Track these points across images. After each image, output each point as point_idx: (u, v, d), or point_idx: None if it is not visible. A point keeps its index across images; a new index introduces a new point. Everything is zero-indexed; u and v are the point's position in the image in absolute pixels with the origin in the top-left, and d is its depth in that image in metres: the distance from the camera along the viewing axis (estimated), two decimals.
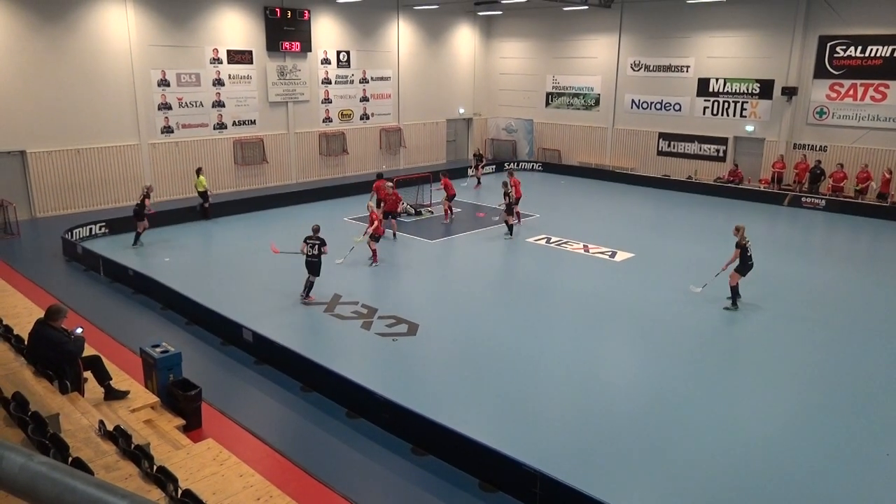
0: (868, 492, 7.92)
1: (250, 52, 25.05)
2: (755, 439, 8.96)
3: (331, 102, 28.20)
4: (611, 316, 13.46)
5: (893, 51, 23.44)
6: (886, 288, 15.43)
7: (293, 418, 9.54)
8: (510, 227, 19.58)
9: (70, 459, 5.56)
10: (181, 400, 8.74)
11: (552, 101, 33.19)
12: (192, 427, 8.67)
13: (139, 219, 17.84)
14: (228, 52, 24.44)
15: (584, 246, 18.47)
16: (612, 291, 14.91)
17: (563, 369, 11.03)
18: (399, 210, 20.04)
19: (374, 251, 16.56)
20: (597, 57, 31.05)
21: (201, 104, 24.09)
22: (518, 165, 32.06)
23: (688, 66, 28.40)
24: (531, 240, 19.25)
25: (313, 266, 13.84)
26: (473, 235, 20.08)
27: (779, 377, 10.88)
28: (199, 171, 21.10)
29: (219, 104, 24.56)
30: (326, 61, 27.71)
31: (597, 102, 31.54)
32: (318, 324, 12.91)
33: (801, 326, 13.07)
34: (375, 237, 16.50)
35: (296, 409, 9.73)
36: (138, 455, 6.13)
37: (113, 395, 8.39)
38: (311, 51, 26.74)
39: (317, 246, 13.69)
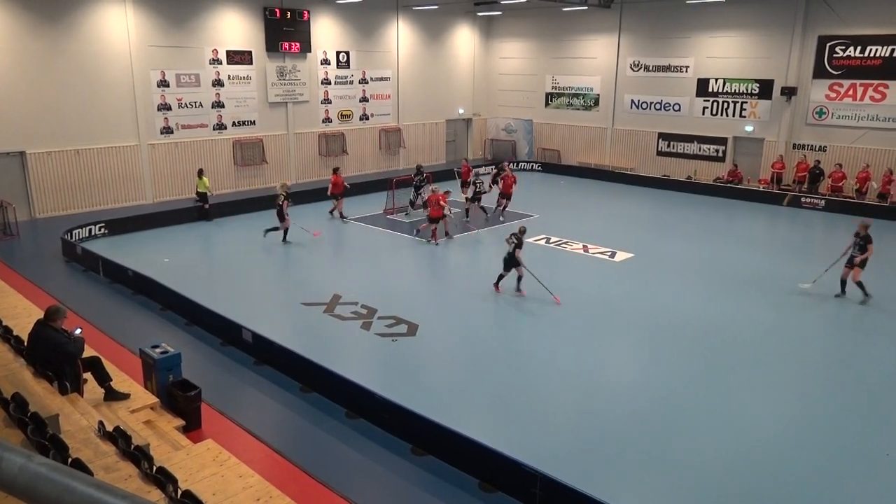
0: (872, 493, 7.93)
1: (250, 53, 25.06)
2: (756, 439, 8.96)
3: (330, 103, 28.20)
4: (611, 316, 13.46)
5: (893, 51, 23.45)
6: (887, 286, 15.45)
7: (293, 419, 9.54)
8: (466, 212, 21.29)
9: (70, 460, 5.56)
10: (181, 400, 8.74)
11: (552, 101, 33.19)
12: (192, 428, 8.67)
13: (281, 219, 18.24)
14: (228, 52, 24.45)
15: (583, 246, 18.48)
16: (611, 291, 14.90)
17: (564, 369, 11.03)
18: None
19: (433, 231, 18.27)
20: (596, 57, 31.06)
21: (201, 105, 24.09)
22: (518, 165, 32.04)
23: (687, 67, 28.41)
24: (531, 240, 19.18)
25: (508, 262, 14.36)
26: (472, 236, 20.09)
27: (781, 376, 10.88)
28: (200, 173, 21.14)
29: (218, 105, 24.56)
30: (326, 62, 27.72)
31: (596, 103, 31.55)
32: (317, 324, 12.91)
33: (800, 324, 13.07)
34: (433, 219, 18.11)
35: (295, 409, 9.73)
36: (138, 456, 6.13)
37: (113, 396, 8.39)
38: (310, 51, 26.75)
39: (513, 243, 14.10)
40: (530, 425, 9.32)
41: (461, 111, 33.76)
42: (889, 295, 14.84)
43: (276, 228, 18.38)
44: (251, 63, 25.18)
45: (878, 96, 24.04)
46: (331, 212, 21.73)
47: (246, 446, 8.44)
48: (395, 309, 13.43)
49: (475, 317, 13.45)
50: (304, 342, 11.47)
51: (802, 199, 24.38)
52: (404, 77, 30.78)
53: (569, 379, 10.73)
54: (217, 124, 24.65)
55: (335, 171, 21.89)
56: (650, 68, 29.54)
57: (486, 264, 17.48)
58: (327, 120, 28.22)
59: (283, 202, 18.07)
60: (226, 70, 24.52)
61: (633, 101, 30.33)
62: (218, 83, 24.42)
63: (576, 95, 32.24)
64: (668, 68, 28.98)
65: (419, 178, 22.51)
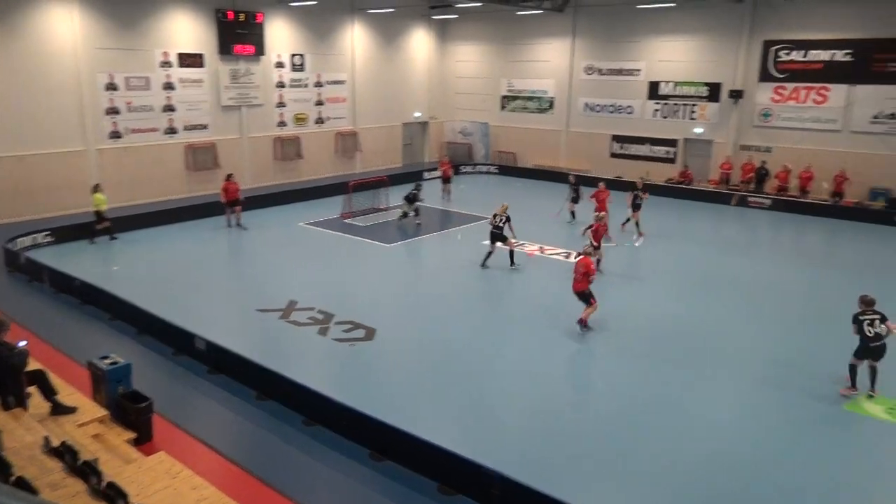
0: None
1: (201, 56, 24.62)
2: (718, 436, 9.17)
3: (285, 106, 27.90)
4: (567, 317, 13.60)
5: (833, 55, 24.35)
6: (828, 278, 16.02)
7: (248, 428, 9.40)
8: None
9: (12, 479, 5.37)
10: (131, 413, 8.53)
11: (507, 104, 33.46)
12: (144, 440, 8.47)
13: (498, 241, 17.45)
14: (179, 55, 23.97)
15: (540, 247, 18.67)
16: (568, 292, 15.07)
17: (522, 371, 11.12)
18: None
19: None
20: (550, 61, 31.44)
21: (151, 108, 23.57)
22: (474, 168, 32.25)
23: (639, 70, 28.99)
24: (487, 242, 19.33)
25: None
26: (429, 239, 20.11)
27: (736, 370, 11.16)
28: (96, 188, 18.73)
29: (169, 108, 24.05)
30: (280, 65, 27.41)
31: (551, 105, 31.93)
32: (273, 331, 12.74)
33: (748, 318, 13.45)
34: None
35: (251, 418, 9.59)
36: (86, 471, 5.97)
37: (60, 410, 8.13)
38: (264, 54, 26.42)
39: None
40: (490, 427, 9.37)
41: (417, 114, 33.77)
42: (828, 285, 15.37)
43: None
44: (203, 66, 24.75)
45: (819, 99, 24.91)
46: (230, 223, 20.49)
47: (200, 457, 8.28)
48: (353, 314, 13.35)
49: (433, 320, 13.46)
50: (260, 349, 11.31)
51: (749, 199, 25.10)
52: (360, 80, 30.65)
53: (528, 381, 10.81)
54: (168, 128, 24.14)
55: (228, 177, 20.46)
56: (603, 72, 30.04)
57: (440, 267, 17.54)
58: (282, 123, 27.91)
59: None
60: (177, 73, 24.03)
61: (586, 103, 30.79)
62: (169, 86, 23.92)
63: (531, 98, 32.57)
64: (620, 72, 29.51)
65: (415, 192, 21.65)
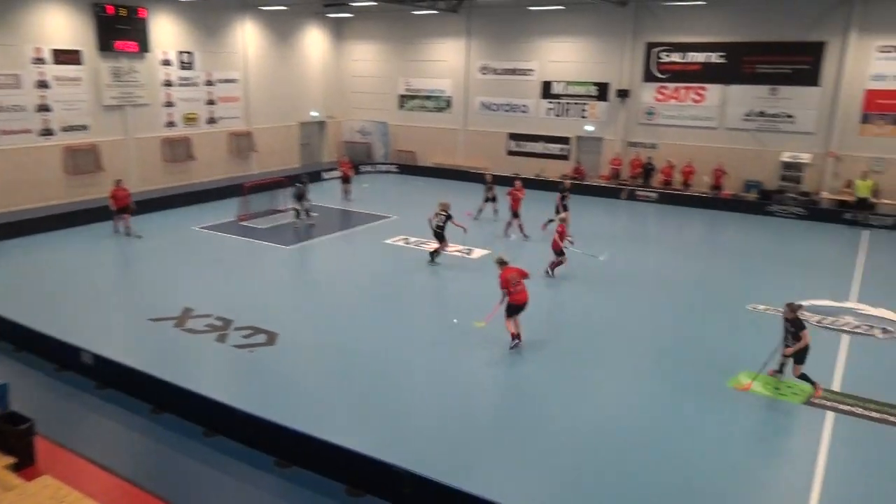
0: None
1: (79, 52, 23.10)
2: (614, 420, 9.57)
3: (174, 106, 26.66)
4: (468, 312, 13.80)
5: (709, 57, 26.00)
6: (712, 266, 17.13)
7: (144, 443, 8.94)
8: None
9: None
10: (10, 436, 7.90)
11: (405, 103, 33.51)
12: (25, 465, 7.86)
13: (440, 240, 17.26)
14: (54, 51, 22.39)
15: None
16: (469, 288, 15.31)
17: (427, 368, 11.19)
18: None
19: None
20: (447, 60, 31.76)
21: (23, 108, 21.89)
22: (374, 168, 32.09)
23: (532, 70, 29.80)
24: (390, 241, 19.35)
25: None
26: (330, 240, 19.84)
27: (631, 356, 11.70)
28: None
29: (44, 108, 22.42)
30: (167, 62, 26.17)
31: (449, 104, 32.26)
32: (167, 341, 12.17)
33: (643, 307, 14.15)
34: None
35: (147, 433, 9.13)
36: None
37: None
38: (149, 51, 25.14)
39: None
40: (397, 425, 9.36)
41: (315, 113, 33.19)
42: (707, 272, 16.42)
43: None
44: (81, 63, 23.22)
45: (698, 98, 26.53)
46: (117, 230, 19.39)
47: (91, 479, 7.79)
48: (253, 319, 12.97)
49: (336, 322, 13.28)
50: (154, 360, 10.78)
51: (638, 193, 26.40)
52: (254, 79, 29.76)
53: (432, 377, 10.89)
54: (43, 129, 22.50)
55: (117, 183, 19.41)
56: (498, 71, 30.67)
57: (342, 268, 17.35)
58: (171, 124, 26.66)
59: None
60: (52, 70, 22.43)
61: (483, 102, 31.34)
62: (43, 84, 22.29)
63: (429, 98, 32.77)
64: (514, 71, 30.24)
65: (303, 187, 21.27)
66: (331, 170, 30.13)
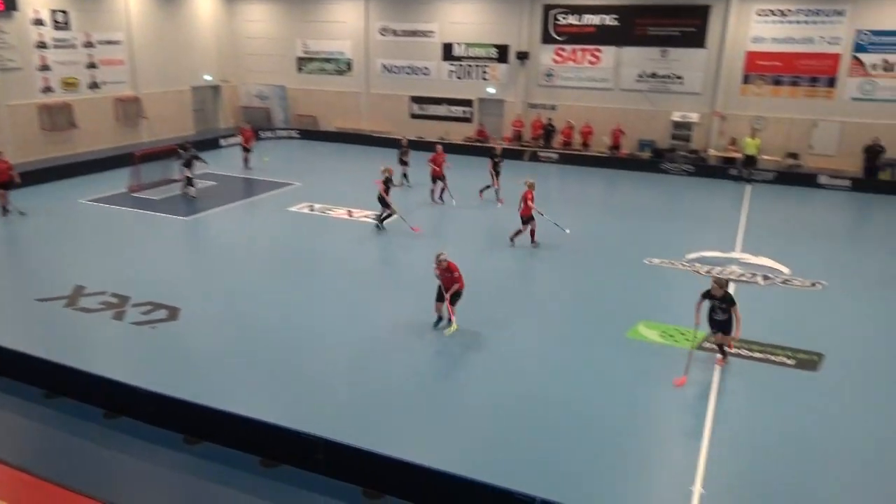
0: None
1: None
2: (519, 372, 9.88)
3: (50, 70, 24.66)
4: (381, 277, 13.82)
5: (603, 19, 26.65)
6: (613, 223, 17.85)
7: (38, 430, 8.47)
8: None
9: None
10: None
11: (304, 66, 32.53)
12: None
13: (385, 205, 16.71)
14: None
15: (347, 211, 18.63)
16: (377, 253, 15.28)
17: (336, 335, 11.13)
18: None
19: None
20: (346, 22, 30.96)
21: None
22: (275, 133, 31.12)
23: (433, 32, 29.56)
24: (293, 208, 18.94)
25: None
26: (229, 209, 19.18)
27: (540, 312, 12.08)
28: None
29: None
30: (39, 22, 24.10)
31: (349, 67, 31.58)
32: (58, 321, 11.48)
33: (550, 266, 14.61)
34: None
35: (41, 419, 8.64)
36: None
37: None
38: (17, 9, 23.04)
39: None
40: (308, 394, 9.30)
41: (208, 77, 31.63)
42: (625, 236, 17.12)
43: None
44: None
45: (594, 60, 27.22)
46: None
47: None
48: (152, 294, 12.43)
49: (240, 293, 12.92)
50: (44, 343, 10.17)
51: (540, 154, 26.98)
52: (139, 41, 27.92)
53: (343, 344, 10.85)
54: None
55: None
56: (398, 33, 30.23)
57: (245, 237, 16.87)
58: (48, 89, 24.69)
59: None
60: None
61: (384, 65, 30.88)
62: None
63: (328, 60, 31.93)
64: (415, 33, 29.89)
65: (190, 152, 20.13)
66: (228, 136, 28.98)
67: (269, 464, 7.74)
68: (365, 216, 18.10)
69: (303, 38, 32.13)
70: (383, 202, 16.81)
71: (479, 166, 25.04)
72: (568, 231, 16.69)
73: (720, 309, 9.87)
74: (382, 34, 30.50)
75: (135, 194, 20.13)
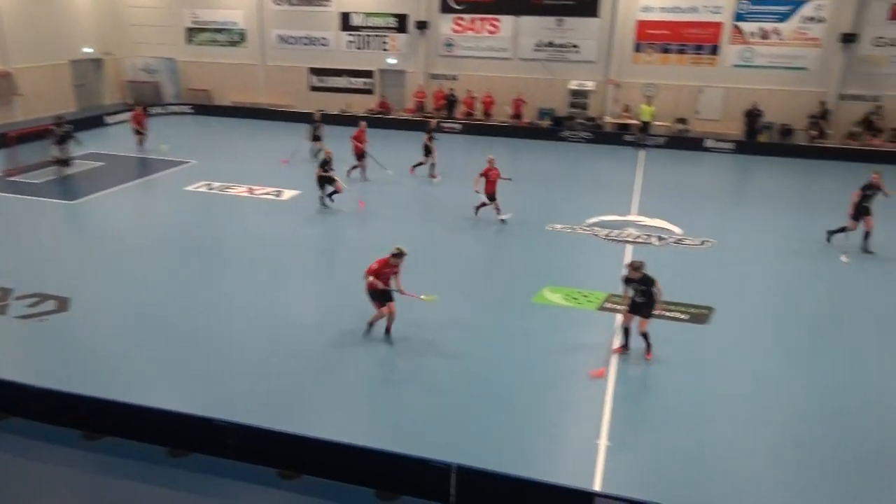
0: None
1: None
2: (433, 343, 9.98)
3: None
4: (283, 254, 13.52)
5: None
6: (510, 191, 18.22)
7: None
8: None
9: None
10: None
11: (194, 37, 30.98)
12: None
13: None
14: None
15: (248, 188, 18.07)
16: (282, 230, 14.94)
17: (244, 316, 10.85)
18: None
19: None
20: None
21: None
22: (165, 109, 29.57)
23: (329, 1, 28.79)
24: (191, 188, 18.17)
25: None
26: (122, 191, 18.17)
27: (448, 279, 12.20)
28: None
29: None
30: None
31: (243, 38, 30.36)
32: None
33: (455, 236, 14.77)
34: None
35: None
36: None
37: None
38: None
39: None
40: (216, 378, 9.04)
41: (88, 50, 29.54)
42: (528, 203, 17.48)
43: None
44: None
45: (493, 29, 27.40)
46: None
47: None
48: (38, 285, 11.65)
49: (136, 279, 12.31)
50: None
51: (443, 125, 27.01)
52: (6, 9, 25.64)
53: (251, 324, 10.59)
54: None
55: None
56: (294, 2, 29.28)
57: (138, 220, 16.08)
58: None
59: None
60: None
61: (280, 35, 29.88)
62: None
63: (220, 31, 30.55)
64: (311, 2, 29.03)
65: (63, 129, 18.90)
66: (114, 113, 27.31)
67: (177, 454, 7.51)
68: (267, 193, 17.61)
69: (191, 8, 30.53)
70: (323, 181, 16.24)
71: (382, 137, 24.88)
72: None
73: (640, 291, 9.54)
74: (277, 3, 29.44)
75: (11, 178, 18.67)
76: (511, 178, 16.13)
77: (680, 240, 14.82)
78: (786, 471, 7.43)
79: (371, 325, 10.11)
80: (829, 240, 14.57)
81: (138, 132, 22.45)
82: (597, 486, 7.00)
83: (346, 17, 28.81)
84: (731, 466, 7.47)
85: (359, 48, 29.13)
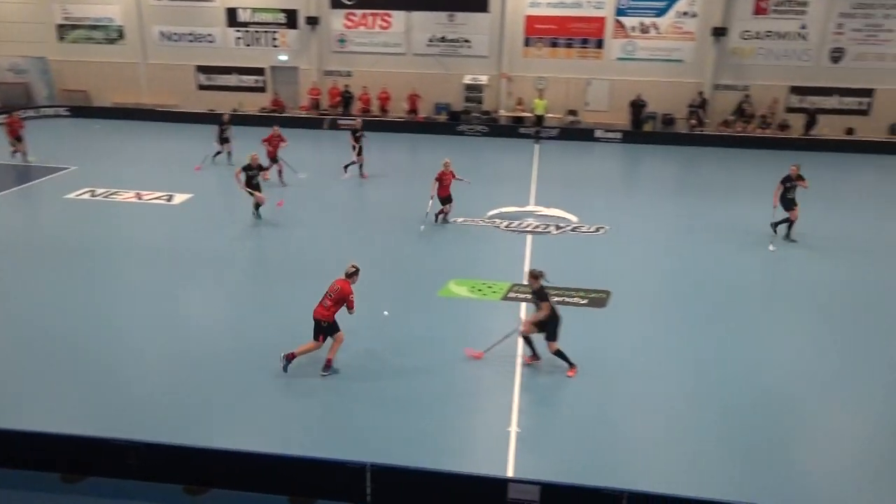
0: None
1: None
2: (349, 342, 9.87)
3: None
4: (178, 262, 12.95)
5: None
6: (407, 188, 18.28)
7: None
8: None
9: None
10: None
11: (66, 34, 29.02)
12: None
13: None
14: None
15: (136, 194, 17.17)
16: (175, 236, 14.30)
17: (137, 328, 10.30)
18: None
19: None
20: None
21: None
22: (38, 112, 27.57)
23: None
24: (72, 195, 17.04)
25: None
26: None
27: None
28: None
29: None
30: None
31: (121, 35, 28.77)
32: None
33: (350, 233, 14.67)
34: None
35: None
36: None
37: None
38: None
39: None
40: (110, 395, 8.53)
41: None
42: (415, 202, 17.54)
43: None
44: None
45: (385, 24, 27.31)
46: None
47: None
48: None
49: (11, 294, 11.41)
50: None
51: (340, 122, 26.71)
52: None
53: (145, 335, 10.08)
54: None
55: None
56: None
57: (11, 233, 14.95)
58: None
59: None
60: None
61: (162, 32, 28.51)
62: None
63: (95, 27, 28.79)
64: None
65: None
66: None
67: (71, 479, 7.05)
68: (157, 198, 16.80)
69: (62, 3, 28.57)
70: (251, 186, 15.18)
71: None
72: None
73: (534, 303, 9.18)
74: None
75: None
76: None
77: (576, 228, 15.37)
78: (682, 440, 7.88)
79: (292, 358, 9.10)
80: (775, 231, 14.73)
81: (15, 142, 20.10)
82: (510, 473, 7.16)
83: (232, 12, 27.85)
84: (634, 440, 7.84)
85: (248, 45, 28.27)
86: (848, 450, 7.87)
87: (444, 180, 15.14)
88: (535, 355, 9.41)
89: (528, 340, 9.40)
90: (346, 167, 19.46)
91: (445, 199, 15.27)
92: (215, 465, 6.97)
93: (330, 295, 8.91)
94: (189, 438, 7.13)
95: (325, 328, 8.92)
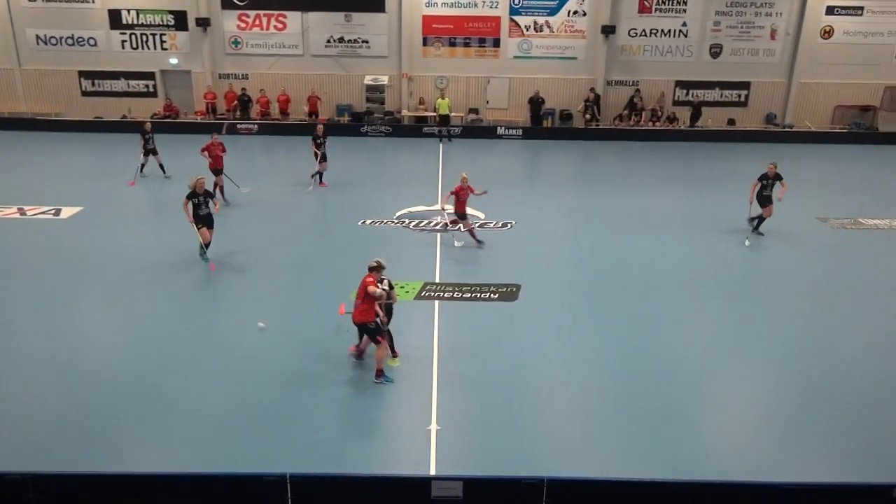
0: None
1: None
2: (252, 348, 9.60)
3: None
4: (71, 281, 12.19)
5: None
6: (319, 191, 18.02)
7: None
8: None
9: None
10: None
11: None
12: None
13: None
14: None
15: (18, 209, 16.02)
16: (67, 252, 13.45)
17: (30, 354, 9.63)
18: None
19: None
20: None
21: None
22: None
23: None
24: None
25: None
26: None
27: (259, 280, 11.75)
28: None
29: None
30: None
31: None
32: None
33: (288, 234, 14.31)
34: None
35: None
36: None
37: None
38: None
39: None
40: (11, 425, 7.95)
41: None
42: (344, 204, 17.29)
43: None
44: None
45: (280, 25, 26.74)
46: None
47: None
48: None
49: None
50: None
51: (239, 126, 25.95)
52: None
53: (41, 361, 9.43)
54: None
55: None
56: None
57: None
58: None
59: None
60: None
61: (38, 36, 26.71)
62: None
63: None
64: None
65: None
66: None
67: None
68: (42, 213, 15.75)
69: None
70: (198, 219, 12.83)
71: (172, 142, 23.34)
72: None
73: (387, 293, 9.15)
74: (30, 0, 26.23)
75: None
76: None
77: (484, 224, 15.62)
78: (597, 424, 8.19)
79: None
80: (752, 229, 14.99)
81: None
82: (432, 471, 7.21)
83: (115, 14, 26.44)
84: (551, 428, 8.07)
85: (134, 48, 26.93)
86: (748, 424, 8.44)
87: (461, 195, 13.98)
88: (360, 349, 9.45)
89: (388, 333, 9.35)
90: (312, 176, 18.70)
91: (462, 215, 14.21)
92: (124, 491, 6.61)
93: (358, 296, 8.91)
94: (97, 465, 6.74)
95: (371, 329, 8.89)
